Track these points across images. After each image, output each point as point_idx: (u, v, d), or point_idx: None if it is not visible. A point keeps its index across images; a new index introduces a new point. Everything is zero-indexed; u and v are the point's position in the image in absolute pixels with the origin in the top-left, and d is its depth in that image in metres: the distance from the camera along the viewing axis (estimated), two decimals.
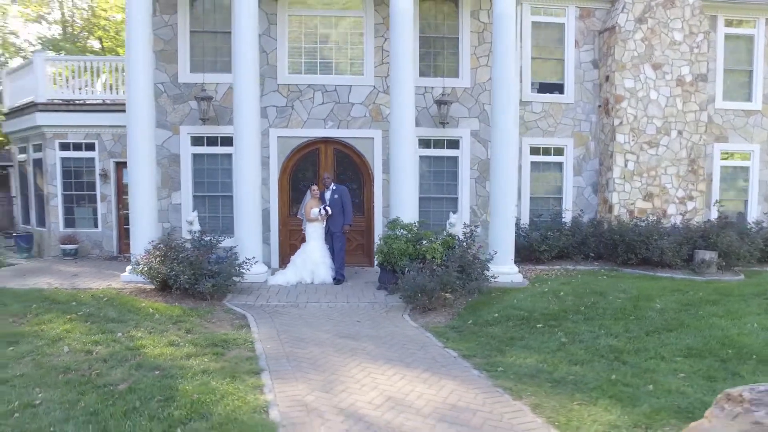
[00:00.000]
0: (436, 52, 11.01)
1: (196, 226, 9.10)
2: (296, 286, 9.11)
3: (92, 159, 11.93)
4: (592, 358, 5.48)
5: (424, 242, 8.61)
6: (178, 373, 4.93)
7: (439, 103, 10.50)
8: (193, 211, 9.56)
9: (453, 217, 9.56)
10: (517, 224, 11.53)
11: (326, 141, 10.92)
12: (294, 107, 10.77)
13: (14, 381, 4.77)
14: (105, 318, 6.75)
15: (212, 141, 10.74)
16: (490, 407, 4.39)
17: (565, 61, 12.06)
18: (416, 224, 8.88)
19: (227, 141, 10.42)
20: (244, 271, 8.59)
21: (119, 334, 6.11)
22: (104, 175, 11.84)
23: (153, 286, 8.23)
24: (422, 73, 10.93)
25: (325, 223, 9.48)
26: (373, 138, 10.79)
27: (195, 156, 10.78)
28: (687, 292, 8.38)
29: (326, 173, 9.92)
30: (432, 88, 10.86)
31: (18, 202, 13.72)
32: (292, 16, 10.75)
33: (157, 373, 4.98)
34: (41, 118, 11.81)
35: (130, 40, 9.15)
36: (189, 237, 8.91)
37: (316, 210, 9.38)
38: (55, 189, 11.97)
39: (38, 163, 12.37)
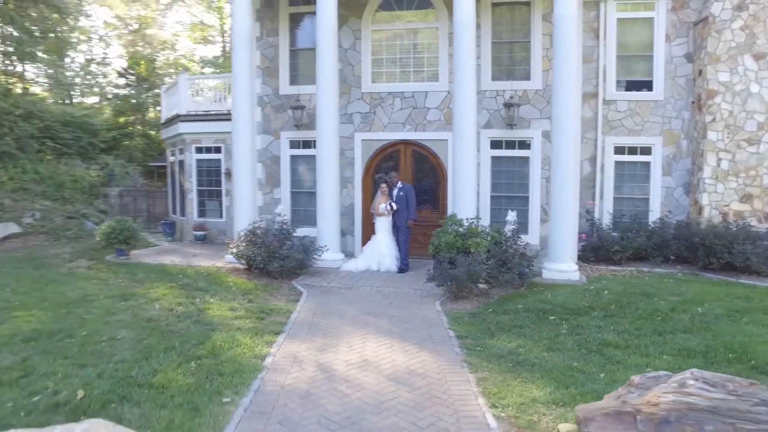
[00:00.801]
0: (510, 56, 11.43)
1: (284, 218, 10.71)
2: (363, 273, 10.26)
3: (219, 160, 14.31)
4: (573, 348, 5.84)
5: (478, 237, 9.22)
6: (220, 328, 6.38)
7: (507, 105, 10.93)
8: (281, 205, 11.22)
9: (510, 215, 10.01)
10: (597, 224, 11.49)
11: (405, 143, 11.93)
12: (376, 113, 11.95)
13: (113, 323, 6.58)
14: (195, 287, 8.55)
15: (306, 144, 12.32)
16: (443, 375, 5.13)
17: (654, 57, 11.63)
18: (467, 220, 9.47)
19: None
20: (315, 257, 10.05)
21: (198, 299, 7.80)
22: (228, 174, 14.11)
23: (243, 266, 9.97)
24: (496, 77, 11.44)
25: (391, 217, 10.51)
26: (446, 140, 11.53)
27: (292, 157, 12.49)
28: (752, 300, 7.96)
29: (393, 173, 10.95)
30: (504, 91, 11.31)
31: (169, 195, 16.78)
32: (374, 31, 11.93)
33: (207, 327, 6.47)
34: (182, 127, 14.48)
35: (235, 62, 11.05)
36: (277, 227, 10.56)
37: (383, 206, 10.46)
38: (191, 185, 14.58)
39: (181, 164, 15.12)
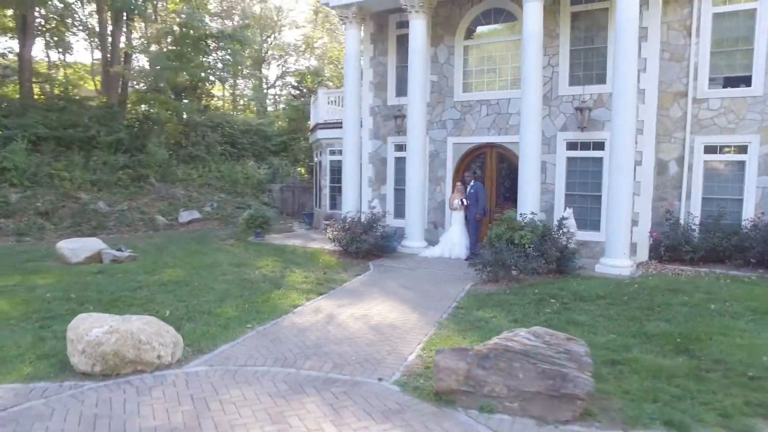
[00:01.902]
0: (587, 61, 11.93)
1: (376, 210, 12.79)
2: (437, 259, 11.85)
3: None
4: (537, 322, 6.86)
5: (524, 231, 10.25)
6: (284, 287, 8.70)
7: (579, 109, 11.53)
8: (376, 199, 13.32)
9: (567, 212, 10.79)
10: (679, 225, 11.42)
11: (490, 146, 13.14)
12: (465, 119, 13.36)
13: (220, 280, 9.28)
14: (292, 261, 11.08)
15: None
16: (411, 329, 6.71)
17: (755, 50, 11.12)
18: (522, 215, 10.46)
19: None
20: (397, 243, 11.98)
21: (287, 269, 10.27)
22: None
23: (338, 248, 12.27)
24: (573, 82, 12.05)
25: (464, 211, 11.92)
26: None
27: (396, 159, 14.49)
28: None
29: (467, 172, 12.31)
30: (580, 95, 11.89)
31: (313, 190, 20.03)
32: (466, 46, 13.34)
33: (276, 286, 8.82)
34: (320, 133, 17.43)
35: (346, 80, 13.45)
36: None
37: (456, 201, 11.93)
38: (325, 182, 17.47)
39: (320, 164, 18.12)
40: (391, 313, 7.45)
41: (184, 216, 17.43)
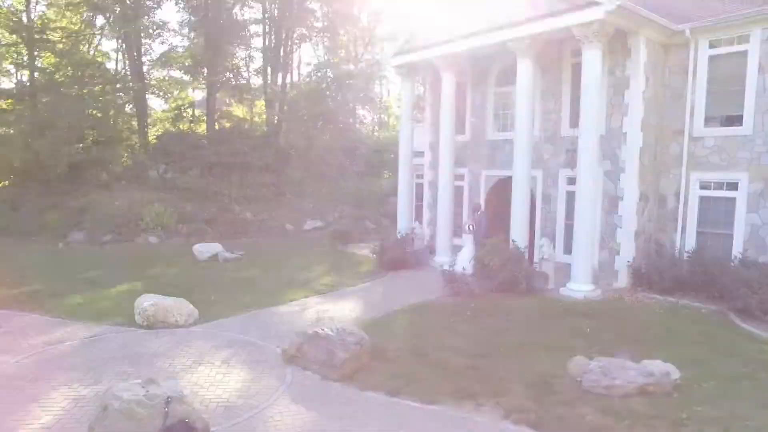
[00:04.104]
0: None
1: (418, 230, 16.00)
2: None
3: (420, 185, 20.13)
4: (426, 329, 9.70)
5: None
6: (304, 286, 12.65)
7: (568, 150, 13.21)
8: (417, 222, 16.45)
9: (542, 240, 12.76)
10: (665, 257, 12.41)
11: (512, 178, 15.27)
12: (494, 155, 15.70)
13: (273, 279, 13.64)
14: (337, 268, 14.96)
15: None
16: (338, 321, 10.13)
17: (746, 91, 11.64)
18: (499, 241, 12.77)
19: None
20: (427, 258, 15.10)
21: (326, 275, 14.19)
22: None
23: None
24: (573, 124, 13.65)
25: (473, 234, 14.47)
26: (536, 177, 14.41)
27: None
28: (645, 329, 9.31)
29: (477, 202, 14.72)
30: (577, 137, 13.46)
31: None
32: (495, 93, 15.65)
33: (300, 285, 12.83)
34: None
35: (402, 123, 16.80)
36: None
37: (466, 226, 14.53)
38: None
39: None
40: (344, 310, 10.89)
41: (308, 225, 22.49)
